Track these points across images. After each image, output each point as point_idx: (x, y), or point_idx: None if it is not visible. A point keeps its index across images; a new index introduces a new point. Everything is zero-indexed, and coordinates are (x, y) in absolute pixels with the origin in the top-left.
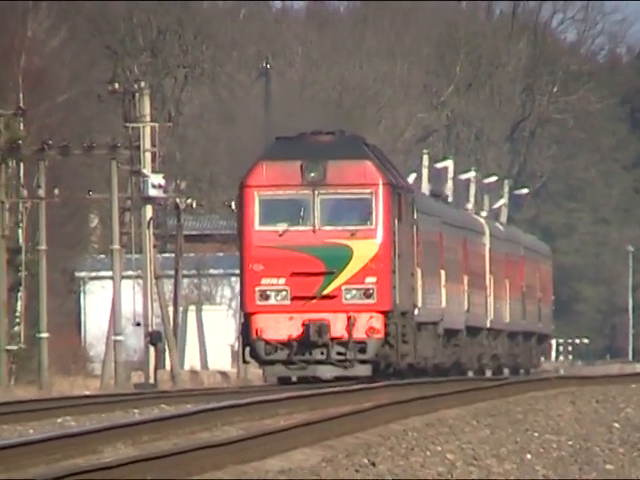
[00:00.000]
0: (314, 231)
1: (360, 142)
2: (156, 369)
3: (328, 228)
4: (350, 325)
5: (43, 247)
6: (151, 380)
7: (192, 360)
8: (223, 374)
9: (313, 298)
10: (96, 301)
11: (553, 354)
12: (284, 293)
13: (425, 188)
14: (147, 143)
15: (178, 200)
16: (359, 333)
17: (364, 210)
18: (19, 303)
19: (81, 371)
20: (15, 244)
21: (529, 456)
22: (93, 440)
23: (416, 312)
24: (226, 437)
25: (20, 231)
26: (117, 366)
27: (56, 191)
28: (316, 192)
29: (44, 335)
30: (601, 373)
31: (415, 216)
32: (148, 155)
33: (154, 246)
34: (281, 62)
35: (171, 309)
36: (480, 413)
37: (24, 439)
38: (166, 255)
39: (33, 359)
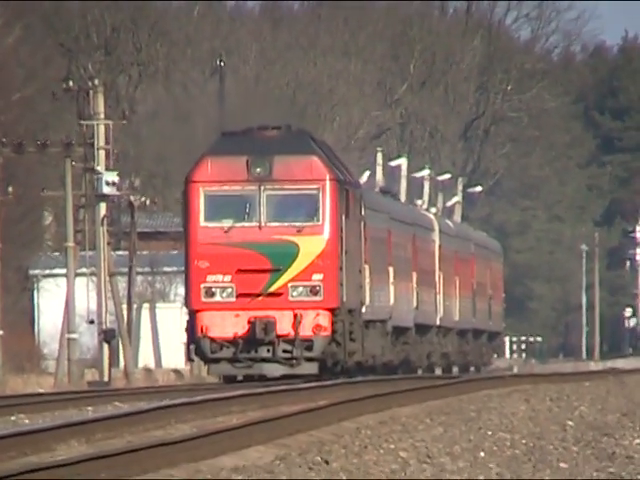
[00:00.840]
0: (260, 227)
1: (307, 137)
2: (110, 367)
3: (274, 224)
4: (296, 322)
5: None
6: (105, 378)
7: (146, 358)
8: (177, 372)
9: (259, 295)
10: (50, 299)
11: (507, 352)
12: (230, 290)
13: (379, 186)
14: (101, 141)
15: (132, 198)
16: (305, 330)
17: (311, 206)
18: None
19: (35, 369)
20: None
21: (482, 454)
22: (47, 438)
23: (364, 310)
24: (180, 435)
25: None
26: (71, 364)
27: (10, 189)
28: (262, 188)
29: None
30: (555, 371)
31: (363, 212)
32: (102, 153)
33: (108, 243)
34: (235, 59)
35: (125, 307)
36: (434, 411)
37: None
38: (120, 253)
39: None
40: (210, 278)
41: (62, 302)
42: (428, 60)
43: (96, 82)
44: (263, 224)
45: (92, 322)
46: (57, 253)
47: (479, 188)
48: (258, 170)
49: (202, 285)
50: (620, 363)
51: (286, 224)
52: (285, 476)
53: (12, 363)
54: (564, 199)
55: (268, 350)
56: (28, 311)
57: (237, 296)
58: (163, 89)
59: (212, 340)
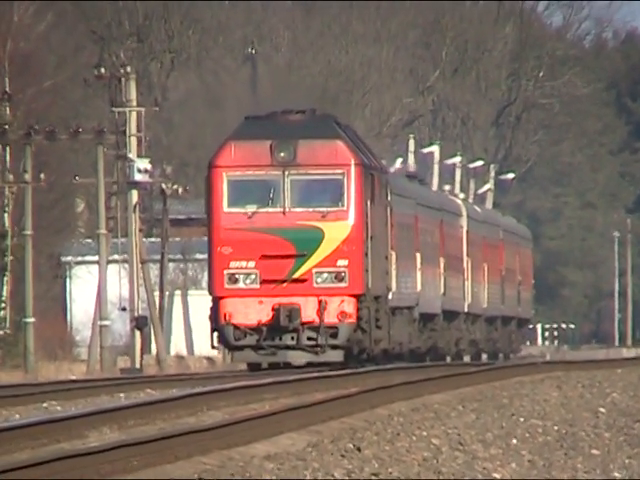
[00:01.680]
0: (284, 213)
1: (331, 121)
2: (142, 354)
3: (298, 210)
4: (321, 309)
5: (29, 232)
6: (137, 365)
7: (178, 345)
8: (209, 359)
9: (283, 282)
10: (82, 286)
11: (539, 339)
12: (253, 276)
13: (405, 171)
14: (133, 128)
15: (164, 185)
16: (330, 317)
17: (335, 191)
18: (5, 288)
19: (67, 356)
20: (1, 229)
21: (515, 441)
22: (79, 425)
23: (390, 296)
24: (212, 422)
25: (6, 216)
26: (103, 351)
27: (42, 176)
28: (286, 173)
29: (30, 320)
30: (587, 358)
31: (389, 197)
32: (134, 140)
33: (140, 230)
34: (267, 47)
35: (157, 294)
36: (466, 398)
37: (10, 424)
38: (152, 240)
39: (19, 344)
40: (233, 264)
41: (94, 289)
42: (460, 47)
43: (128, 69)
44: (287, 209)
45: (124, 309)
46: (89, 240)
47: (511, 175)
48: (282, 155)
49: (225, 271)
50: None
51: (310, 209)
52: (317, 463)
53: (44, 350)
54: (596, 186)
55: (292, 337)
56: (60, 298)
57: (261, 282)
58: (195, 76)
59: (236, 327)
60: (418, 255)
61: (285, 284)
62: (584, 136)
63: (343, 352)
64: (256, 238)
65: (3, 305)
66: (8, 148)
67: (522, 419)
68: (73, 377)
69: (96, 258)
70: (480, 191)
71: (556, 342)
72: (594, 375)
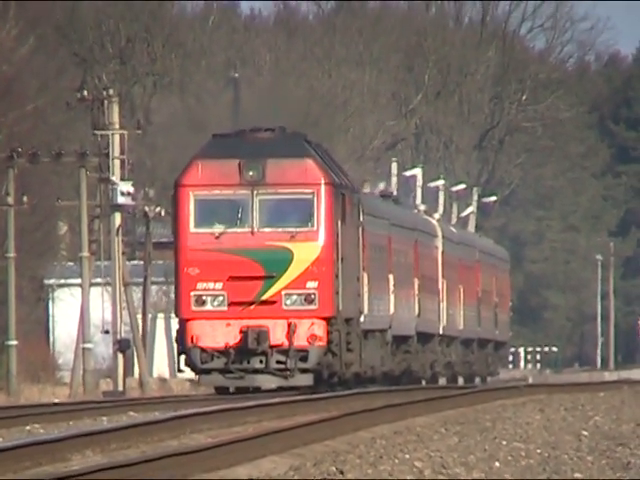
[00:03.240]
0: (252, 233)
1: (301, 139)
2: (125, 377)
3: (267, 230)
4: (290, 332)
5: (12, 254)
6: (120, 388)
7: (161, 368)
8: (192, 382)
9: (252, 303)
10: (65, 308)
11: (522, 362)
12: (221, 298)
13: (378, 190)
14: (116, 151)
15: (147, 208)
16: (300, 340)
17: (305, 211)
18: None
19: (50, 379)
20: None
21: (497, 464)
22: (62, 448)
23: (362, 319)
24: (195, 445)
25: None
26: (86, 374)
27: (25, 198)
28: (255, 192)
29: (13, 342)
30: (570, 381)
31: (361, 217)
32: (117, 163)
33: (123, 253)
34: (249, 70)
35: (140, 317)
36: (448, 421)
37: None
38: (135, 262)
39: (1, 366)
40: (200, 285)
41: (77, 312)
42: (443, 70)
43: (111, 92)
44: (256, 230)
45: (107, 332)
46: (72, 263)
47: (494, 198)
48: (251, 174)
49: (192, 293)
50: (635, 373)
51: (280, 230)
52: None
53: (27, 373)
54: (579, 209)
55: (261, 361)
56: (43, 321)
57: (229, 304)
58: (178, 99)
59: (203, 350)
60: (391, 276)
61: (253, 306)
62: (567, 159)
63: (313, 376)
64: (224, 259)
65: None
66: None
67: (505, 442)
68: (56, 400)
69: (79, 281)
70: (463, 214)
71: (539, 365)
72: (577, 398)
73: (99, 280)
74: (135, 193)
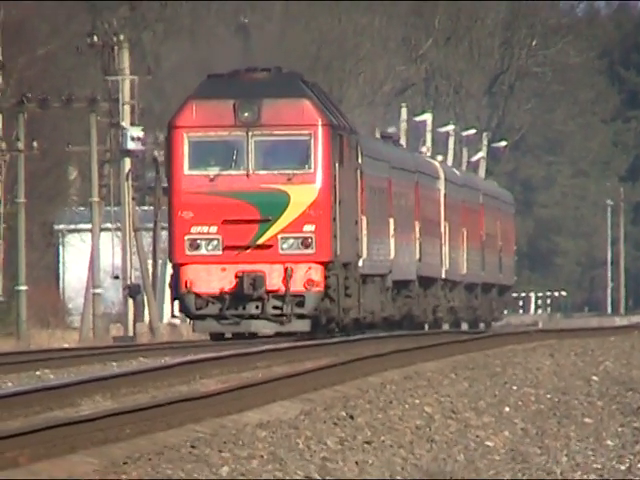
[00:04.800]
0: (248, 175)
1: (298, 79)
2: (135, 322)
3: (263, 172)
4: (287, 277)
5: (22, 200)
6: (130, 333)
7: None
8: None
9: (247, 248)
10: (75, 254)
11: (532, 307)
12: (215, 242)
13: (403, 141)
14: (126, 96)
15: (156, 153)
16: (297, 286)
17: (302, 153)
18: None
19: (60, 324)
20: None
21: (507, 409)
22: (71, 393)
23: (360, 263)
24: (204, 390)
25: None
26: (96, 319)
27: (35, 144)
28: (250, 133)
29: (23, 288)
30: (580, 326)
31: (360, 160)
32: (127, 108)
33: (133, 199)
34: (259, 16)
35: (150, 262)
36: (458, 366)
37: (2, 392)
38: (145, 208)
39: (12, 311)
40: (195, 229)
41: (87, 257)
42: (453, 16)
43: (121, 38)
44: (251, 172)
45: (117, 277)
46: (82, 208)
47: (504, 143)
48: (246, 114)
49: (186, 237)
50: None
51: (275, 172)
52: (310, 431)
53: (37, 318)
54: (589, 154)
55: (257, 306)
56: (53, 266)
57: (223, 249)
58: (188, 45)
59: (197, 296)
60: (391, 220)
61: (249, 250)
62: (577, 105)
63: (310, 322)
64: (218, 202)
65: None
66: (1, 116)
67: (515, 387)
68: (66, 345)
69: (89, 226)
70: (473, 159)
71: (549, 310)
72: (587, 343)
73: (109, 225)
74: (145, 138)
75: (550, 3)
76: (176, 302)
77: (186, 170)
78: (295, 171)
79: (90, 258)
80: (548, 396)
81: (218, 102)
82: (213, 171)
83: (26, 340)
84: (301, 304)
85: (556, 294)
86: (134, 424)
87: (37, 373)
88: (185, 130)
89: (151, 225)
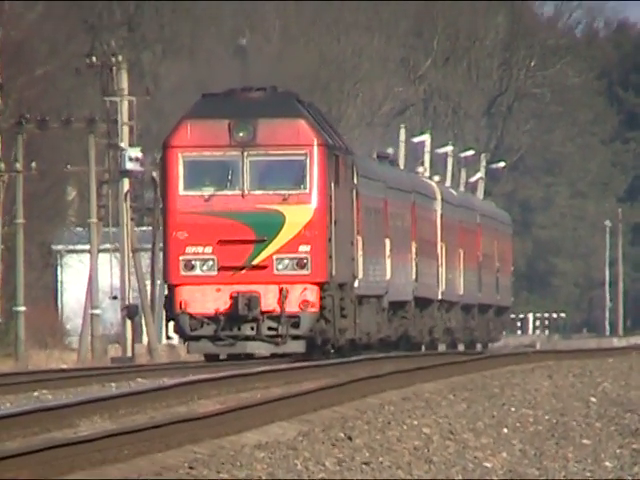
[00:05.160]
0: (243, 196)
1: (293, 99)
2: (133, 343)
3: (258, 192)
4: (282, 298)
5: (20, 220)
6: (128, 354)
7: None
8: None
9: (242, 268)
10: (73, 274)
11: (530, 328)
12: (210, 263)
13: (401, 162)
14: (125, 117)
15: (155, 173)
16: (292, 306)
17: (297, 173)
18: None
19: (58, 344)
20: None
21: (506, 430)
22: (70, 414)
23: (356, 284)
24: (203, 411)
25: None
26: (94, 340)
27: (34, 164)
28: (245, 153)
29: (21, 308)
30: (578, 347)
31: (355, 180)
32: (126, 129)
33: (131, 219)
34: (259, 37)
35: (148, 282)
36: (457, 387)
37: (1, 412)
38: (143, 228)
39: (10, 332)
40: (190, 250)
41: (85, 278)
42: (451, 36)
43: (119, 58)
44: (246, 192)
45: (115, 298)
46: (80, 229)
47: (502, 164)
48: (241, 134)
49: (181, 257)
50: None
51: (271, 192)
52: (308, 452)
53: (35, 338)
54: (587, 175)
55: (252, 327)
56: (51, 287)
57: (218, 269)
58: (187, 65)
59: (192, 316)
60: (387, 241)
61: (244, 271)
62: (575, 125)
63: (305, 342)
64: (213, 222)
65: None
66: None
67: (513, 408)
68: (64, 366)
69: (87, 247)
70: (471, 180)
71: (547, 331)
72: (585, 364)
73: (107, 246)
74: (143, 159)
75: (548, 24)
76: (171, 323)
77: (181, 190)
78: (290, 191)
79: (88, 279)
80: (546, 417)
81: (213, 122)
82: (208, 191)
83: (24, 361)
84: (296, 325)
85: (554, 315)
86: (132, 445)
87: (35, 394)
88: (180, 150)
89: (149, 246)
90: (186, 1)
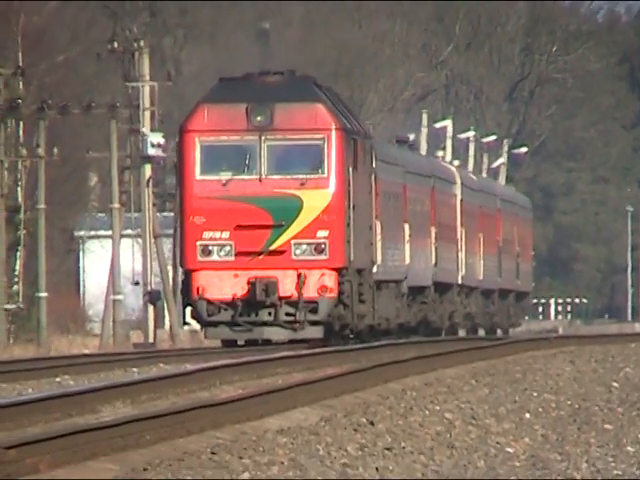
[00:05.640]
0: (260, 180)
1: (311, 83)
2: (155, 328)
3: (276, 177)
4: (300, 283)
5: (42, 206)
6: (150, 339)
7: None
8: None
9: (260, 254)
10: (95, 260)
11: (552, 313)
12: (228, 248)
13: (423, 147)
14: (146, 102)
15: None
16: (310, 292)
17: (315, 157)
18: (18, 262)
19: (80, 330)
20: (14, 203)
21: (528, 415)
22: (92, 399)
23: (375, 269)
24: (225, 396)
25: (19, 190)
26: (116, 325)
27: (55, 150)
28: (263, 138)
29: (43, 294)
30: (600, 332)
31: (374, 164)
32: (147, 114)
33: (153, 205)
34: (279, 22)
35: (170, 268)
36: (479, 372)
37: (23, 398)
38: (165, 214)
39: (32, 318)
40: (207, 235)
41: (107, 263)
42: (473, 22)
43: (141, 43)
44: (264, 176)
45: (137, 283)
46: (102, 214)
47: (524, 149)
48: (258, 118)
49: (198, 243)
50: None
51: (289, 177)
52: (330, 438)
53: (57, 324)
54: (609, 160)
55: (270, 313)
56: (73, 272)
57: (236, 254)
58: (208, 50)
59: (209, 302)
60: (406, 225)
61: (262, 256)
62: (597, 111)
63: (323, 328)
64: (231, 207)
65: (16, 280)
66: (21, 123)
67: (535, 394)
68: (86, 351)
69: (109, 232)
70: (493, 165)
71: (569, 317)
72: (607, 350)
73: (129, 231)
74: (165, 144)
75: (570, 9)
76: (188, 309)
77: (198, 175)
78: (308, 176)
79: (110, 264)
80: (568, 402)
81: (230, 106)
82: (225, 176)
83: (46, 346)
84: (314, 310)
85: (576, 300)
86: (154, 430)
87: (57, 379)
88: (197, 134)
89: (171, 231)
90: None
